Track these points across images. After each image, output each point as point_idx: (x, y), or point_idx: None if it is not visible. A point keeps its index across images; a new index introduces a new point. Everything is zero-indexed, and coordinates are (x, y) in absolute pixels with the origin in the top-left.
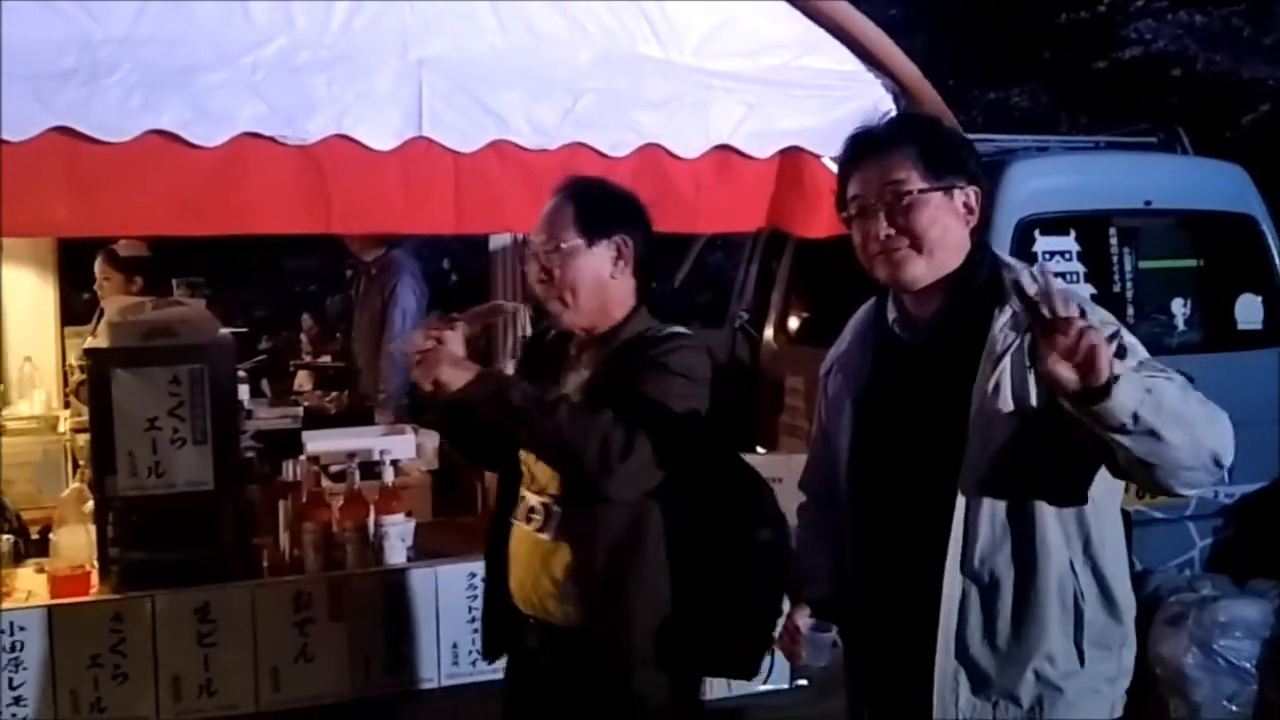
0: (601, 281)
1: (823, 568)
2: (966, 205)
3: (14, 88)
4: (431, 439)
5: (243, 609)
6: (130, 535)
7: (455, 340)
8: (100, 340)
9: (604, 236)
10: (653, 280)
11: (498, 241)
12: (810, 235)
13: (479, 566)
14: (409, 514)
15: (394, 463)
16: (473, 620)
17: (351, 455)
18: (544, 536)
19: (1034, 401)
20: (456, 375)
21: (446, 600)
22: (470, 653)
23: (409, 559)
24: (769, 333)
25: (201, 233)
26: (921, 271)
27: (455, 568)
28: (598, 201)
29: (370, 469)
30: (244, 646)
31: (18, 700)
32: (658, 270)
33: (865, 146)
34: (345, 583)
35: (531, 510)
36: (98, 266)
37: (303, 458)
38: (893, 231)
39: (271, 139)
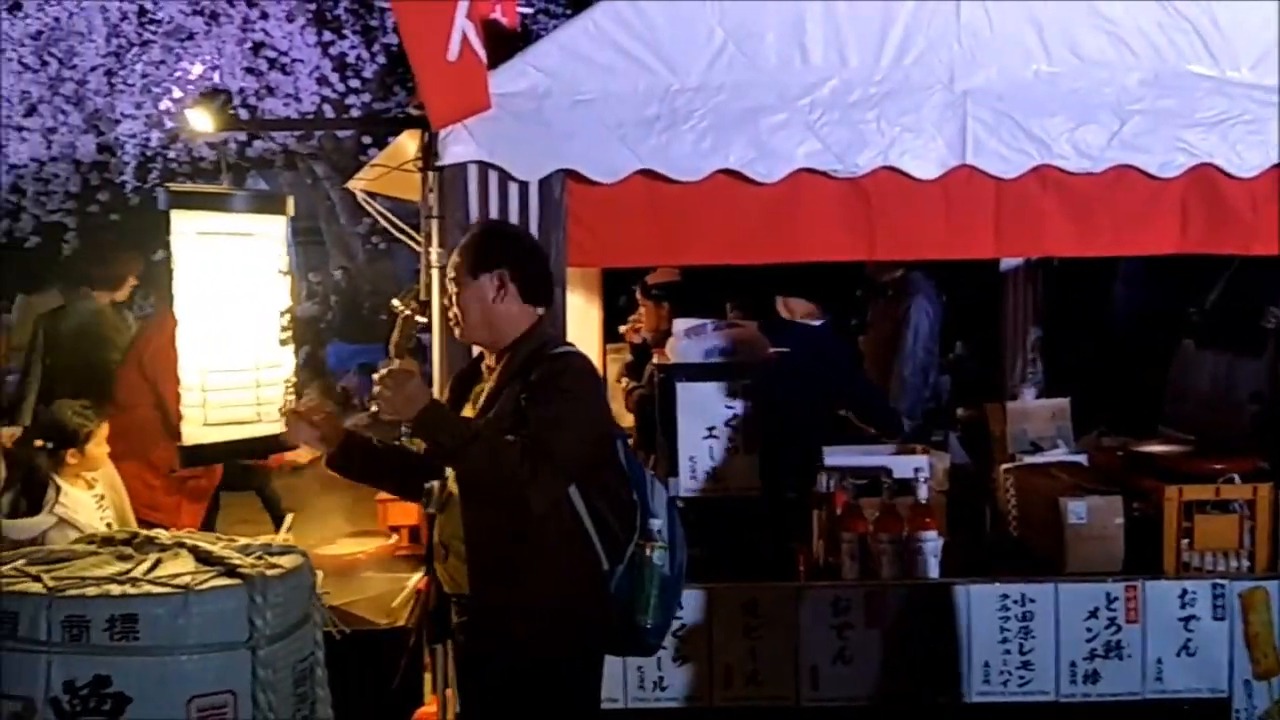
0: (485, 308)
1: None
2: None
3: (605, 136)
4: (943, 459)
5: (787, 608)
6: (689, 532)
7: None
8: (668, 356)
9: (485, 271)
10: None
11: (1008, 264)
12: None
13: (1011, 588)
14: (939, 532)
15: (904, 481)
16: (1004, 641)
17: (888, 471)
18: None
19: None
20: (408, 407)
21: (978, 618)
22: (1001, 673)
23: (938, 574)
24: None
25: (758, 261)
26: None
27: (988, 588)
28: (480, 243)
29: (874, 485)
30: (786, 643)
31: None
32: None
33: None
34: (883, 592)
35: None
36: (638, 295)
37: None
38: None
39: (824, 173)
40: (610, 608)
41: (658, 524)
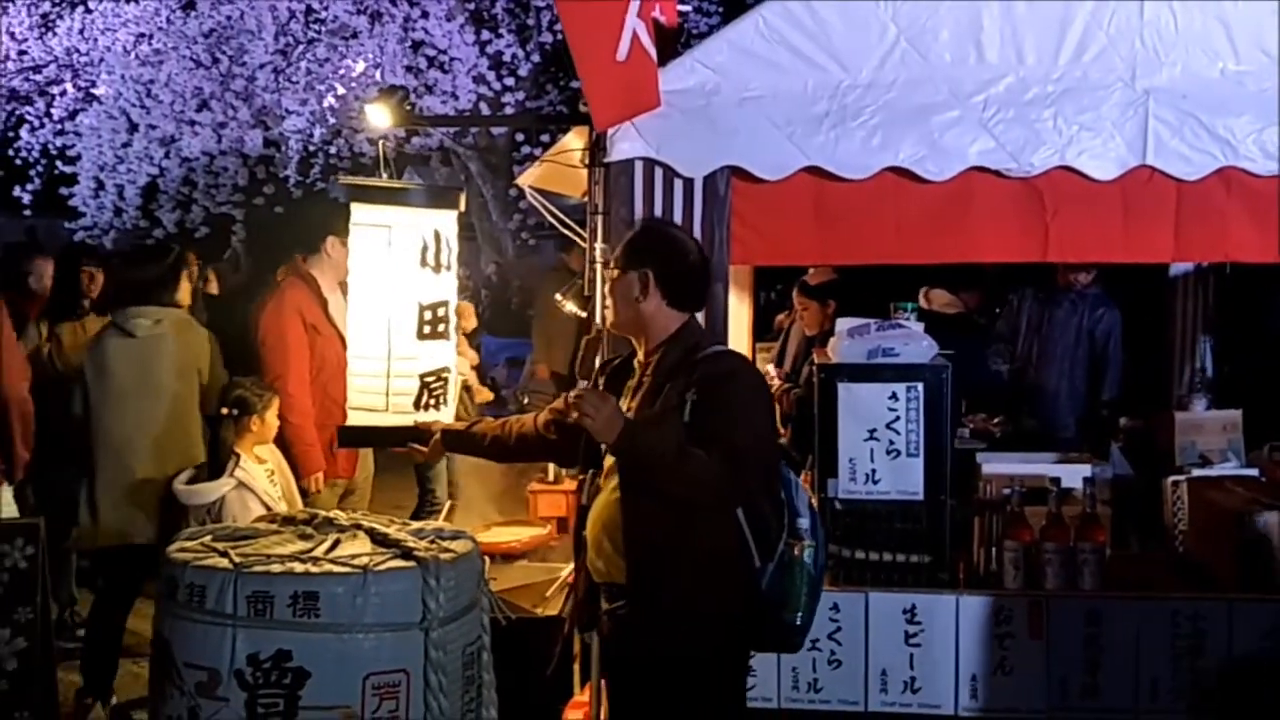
0: (629, 303)
1: None
2: None
3: (771, 134)
4: (1105, 471)
5: (947, 615)
6: (846, 535)
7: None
8: (829, 356)
9: (633, 267)
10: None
11: (1177, 269)
12: None
13: (1181, 606)
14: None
15: (1066, 491)
16: (1175, 658)
17: (1055, 480)
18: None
19: None
20: (609, 430)
21: (1145, 634)
22: (1171, 690)
23: (1103, 587)
24: None
25: (927, 261)
26: None
27: (1156, 605)
28: (635, 238)
29: (1035, 494)
30: (946, 651)
31: None
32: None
33: None
34: (1047, 603)
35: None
36: (795, 295)
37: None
38: None
39: (996, 172)
40: (761, 604)
41: (804, 523)
